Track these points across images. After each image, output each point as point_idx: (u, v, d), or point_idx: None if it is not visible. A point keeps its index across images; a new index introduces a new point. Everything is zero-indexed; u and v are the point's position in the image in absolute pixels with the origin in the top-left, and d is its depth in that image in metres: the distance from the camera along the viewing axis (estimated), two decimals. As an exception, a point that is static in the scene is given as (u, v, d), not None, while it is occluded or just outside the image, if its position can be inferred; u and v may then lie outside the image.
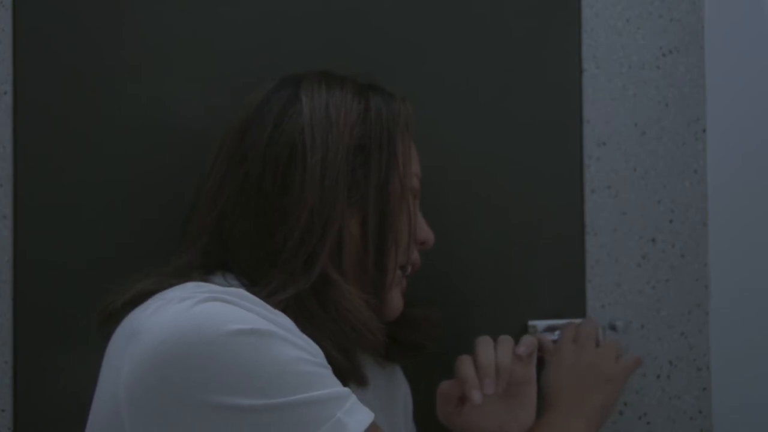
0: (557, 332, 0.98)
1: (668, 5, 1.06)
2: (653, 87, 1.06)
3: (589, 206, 1.04)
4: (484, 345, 0.86)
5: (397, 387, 0.91)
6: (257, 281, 0.73)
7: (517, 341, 0.88)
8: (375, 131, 0.77)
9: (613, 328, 1.03)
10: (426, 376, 0.92)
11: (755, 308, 1.06)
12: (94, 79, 0.97)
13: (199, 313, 0.62)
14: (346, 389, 0.64)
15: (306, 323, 0.70)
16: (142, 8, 0.98)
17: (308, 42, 0.99)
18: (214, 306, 0.63)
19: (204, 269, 0.75)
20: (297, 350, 0.63)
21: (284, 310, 0.69)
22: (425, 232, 0.85)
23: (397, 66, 1.00)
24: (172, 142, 0.97)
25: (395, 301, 0.82)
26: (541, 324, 1.02)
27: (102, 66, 0.97)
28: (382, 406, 0.85)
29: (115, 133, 0.97)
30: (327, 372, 0.64)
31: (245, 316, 0.62)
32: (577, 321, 0.98)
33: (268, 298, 0.69)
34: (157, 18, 0.98)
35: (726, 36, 1.06)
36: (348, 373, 0.73)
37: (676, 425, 1.05)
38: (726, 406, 1.06)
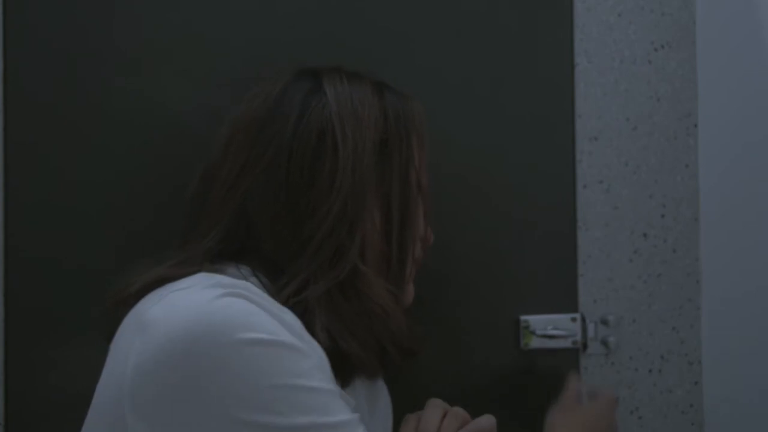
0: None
1: (660, 0, 1.06)
2: (645, 82, 1.06)
3: (581, 201, 1.04)
4: (432, 410, 0.78)
5: (377, 393, 0.90)
6: (278, 272, 0.72)
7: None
8: (395, 127, 0.77)
9: (605, 322, 1.04)
10: (410, 389, 0.90)
11: (747, 303, 1.06)
12: (90, 76, 0.97)
13: (213, 313, 0.60)
14: (356, 417, 0.64)
15: (335, 319, 0.69)
16: (138, 4, 0.97)
17: (303, 37, 0.99)
18: (230, 305, 0.61)
19: (219, 259, 0.73)
20: (309, 363, 0.62)
21: (311, 307, 0.69)
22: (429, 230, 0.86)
23: (391, 61, 1.00)
24: (168, 140, 0.97)
25: (409, 293, 0.82)
26: (533, 319, 1.02)
27: (98, 62, 0.97)
28: (362, 410, 0.84)
29: (111, 131, 0.97)
30: (335, 391, 0.64)
31: (261, 322, 0.61)
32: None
33: (296, 295, 0.69)
34: (153, 14, 0.97)
35: (718, 31, 1.06)
36: (363, 368, 0.72)
37: (668, 419, 1.06)
38: (717, 399, 1.06)
